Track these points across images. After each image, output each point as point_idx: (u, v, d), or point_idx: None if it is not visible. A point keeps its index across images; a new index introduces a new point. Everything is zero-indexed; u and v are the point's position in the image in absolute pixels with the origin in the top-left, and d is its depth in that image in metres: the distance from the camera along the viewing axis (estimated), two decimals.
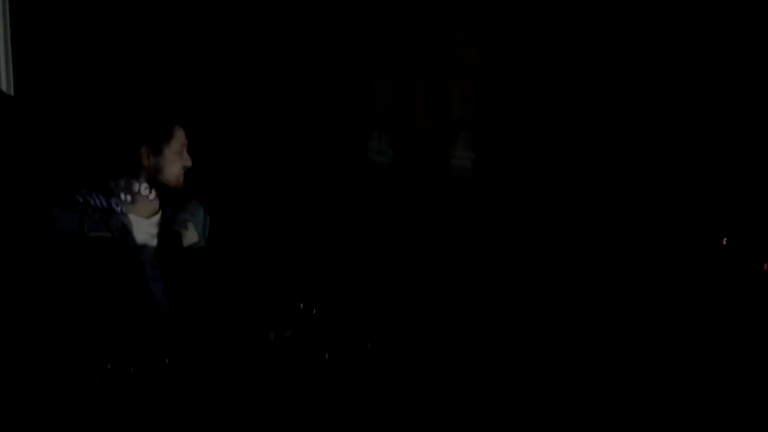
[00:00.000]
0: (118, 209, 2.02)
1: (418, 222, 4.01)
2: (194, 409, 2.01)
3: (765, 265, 2.93)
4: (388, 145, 4.18)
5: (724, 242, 3.01)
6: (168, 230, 2.07)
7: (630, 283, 2.54)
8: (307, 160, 3.97)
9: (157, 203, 2.12)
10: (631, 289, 2.47)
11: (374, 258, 3.94)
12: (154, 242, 2.05)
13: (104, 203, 2.03)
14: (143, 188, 2.07)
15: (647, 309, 2.51)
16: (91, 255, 1.95)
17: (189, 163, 2.10)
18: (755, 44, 3.25)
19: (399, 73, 4.03)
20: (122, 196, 2.05)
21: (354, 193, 4.02)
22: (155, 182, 2.07)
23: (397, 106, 4.06)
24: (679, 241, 2.73)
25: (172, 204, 2.14)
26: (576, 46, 3.65)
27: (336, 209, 3.99)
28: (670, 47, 3.42)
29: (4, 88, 3.10)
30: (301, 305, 3.18)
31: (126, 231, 2.01)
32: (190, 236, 2.13)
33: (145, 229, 2.06)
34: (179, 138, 2.08)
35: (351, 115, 3.98)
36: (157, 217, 2.10)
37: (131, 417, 1.91)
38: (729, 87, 3.31)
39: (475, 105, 3.94)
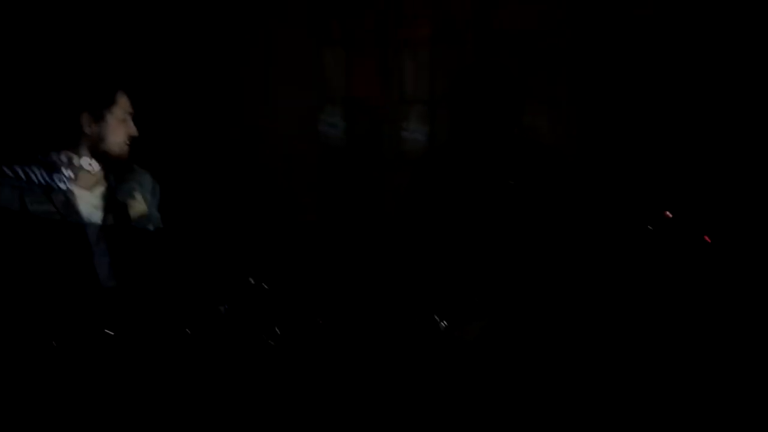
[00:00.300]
0: (60, 183, 1.96)
1: (369, 195, 4.01)
2: (144, 386, 1.99)
3: (706, 237, 3.02)
4: (340, 118, 4.16)
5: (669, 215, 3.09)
6: (113, 202, 2.01)
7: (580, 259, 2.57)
8: (259, 133, 3.93)
9: (100, 174, 2.05)
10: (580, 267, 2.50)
11: (327, 232, 3.93)
12: (99, 215, 2.00)
13: (45, 178, 1.97)
14: (84, 160, 1.99)
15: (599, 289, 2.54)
16: (34, 232, 1.90)
17: (134, 132, 2.03)
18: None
19: (350, 45, 4.00)
20: (63, 169, 1.98)
21: (307, 163, 3.99)
22: (98, 152, 1.99)
23: (349, 78, 4.03)
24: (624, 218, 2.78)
25: (116, 174, 2.07)
26: (528, 21, 3.67)
27: (289, 180, 3.97)
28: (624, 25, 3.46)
29: None
30: (251, 280, 3.16)
31: (69, 205, 1.95)
32: (137, 206, 2.07)
33: (88, 201, 2.00)
34: (123, 105, 2.01)
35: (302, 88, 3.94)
36: (101, 189, 2.04)
37: (77, 397, 1.88)
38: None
39: (428, 78, 3.94)
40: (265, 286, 3.17)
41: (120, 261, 2.01)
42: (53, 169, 1.98)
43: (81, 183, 2.02)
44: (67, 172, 2.00)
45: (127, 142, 2.04)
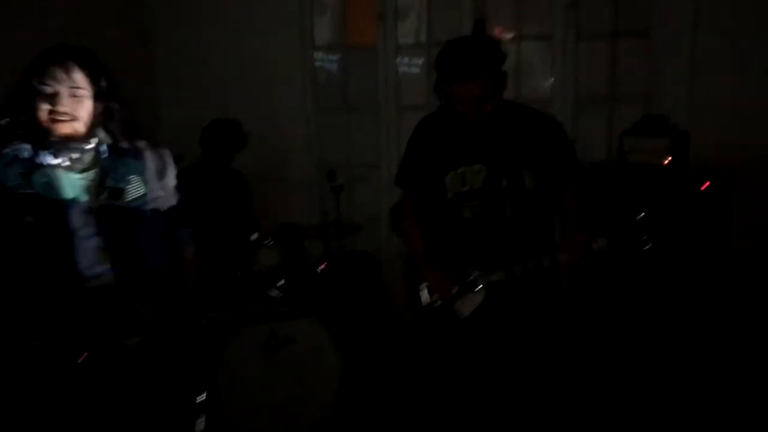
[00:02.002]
0: (49, 162, 1.87)
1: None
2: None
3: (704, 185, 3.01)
4: (337, 63, 4.07)
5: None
6: (102, 185, 1.90)
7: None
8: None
9: (92, 157, 1.90)
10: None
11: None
12: (86, 197, 1.90)
13: (33, 155, 1.88)
14: (70, 143, 1.86)
15: None
16: (15, 211, 1.78)
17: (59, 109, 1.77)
18: None
19: None
20: (51, 148, 1.88)
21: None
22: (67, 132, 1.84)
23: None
24: None
25: (112, 157, 1.94)
26: None
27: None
28: None
29: None
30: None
31: (53, 186, 1.85)
32: (132, 191, 1.95)
33: (76, 183, 1.88)
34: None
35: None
36: (93, 172, 1.93)
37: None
38: None
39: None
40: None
41: (107, 247, 1.91)
42: (42, 147, 1.88)
43: (70, 164, 1.92)
44: (54, 153, 1.89)
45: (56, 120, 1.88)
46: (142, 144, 2.02)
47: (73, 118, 1.88)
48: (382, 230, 3.96)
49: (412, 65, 3.95)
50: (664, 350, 2.97)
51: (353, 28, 3.95)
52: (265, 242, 3.19)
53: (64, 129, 1.87)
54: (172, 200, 2.03)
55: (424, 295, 2.28)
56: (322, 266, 3.61)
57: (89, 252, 1.90)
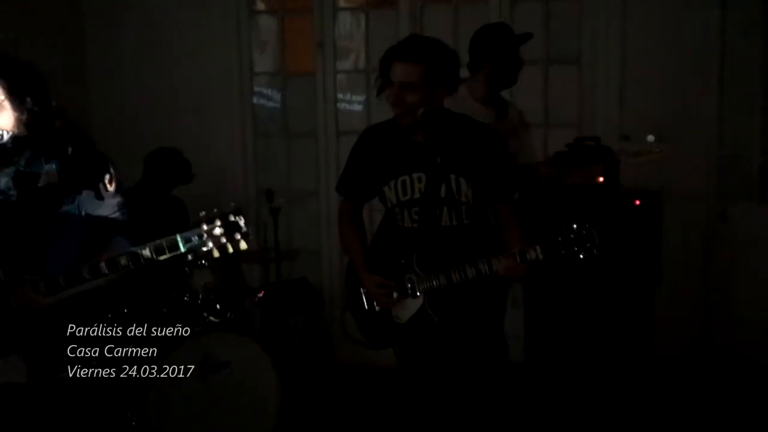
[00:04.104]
0: None
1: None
2: None
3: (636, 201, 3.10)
4: (276, 90, 4.08)
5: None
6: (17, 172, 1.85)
7: None
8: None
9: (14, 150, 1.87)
10: None
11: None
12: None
13: None
14: None
15: None
16: None
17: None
18: None
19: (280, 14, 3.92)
20: None
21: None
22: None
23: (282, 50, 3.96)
24: None
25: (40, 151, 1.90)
26: None
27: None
28: None
29: None
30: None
31: None
32: (47, 178, 1.90)
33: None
34: None
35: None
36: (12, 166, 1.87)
37: None
38: None
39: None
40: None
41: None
42: None
43: None
44: None
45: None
46: (68, 148, 1.97)
47: None
48: (321, 256, 3.92)
49: (351, 93, 3.98)
50: (595, 361, 3.00)
51: (292, 55, 3.97)
52: (199, 263, 3.11)
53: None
54: (106, 210, 1.97)
55: (365, 300, 2.26)
56: (260, 294, 3.58)
57: None
